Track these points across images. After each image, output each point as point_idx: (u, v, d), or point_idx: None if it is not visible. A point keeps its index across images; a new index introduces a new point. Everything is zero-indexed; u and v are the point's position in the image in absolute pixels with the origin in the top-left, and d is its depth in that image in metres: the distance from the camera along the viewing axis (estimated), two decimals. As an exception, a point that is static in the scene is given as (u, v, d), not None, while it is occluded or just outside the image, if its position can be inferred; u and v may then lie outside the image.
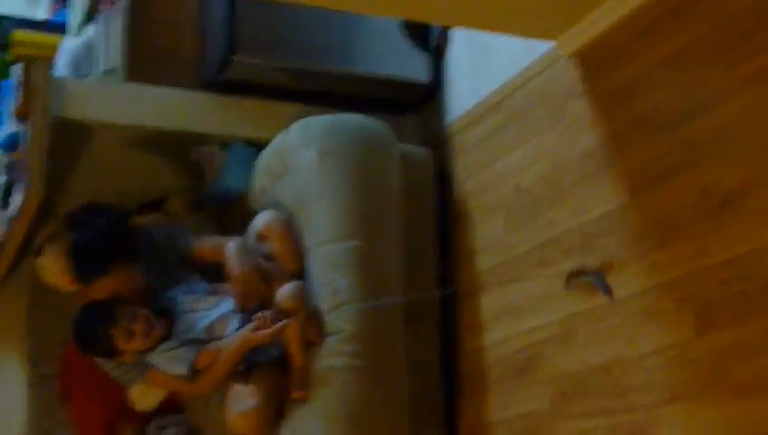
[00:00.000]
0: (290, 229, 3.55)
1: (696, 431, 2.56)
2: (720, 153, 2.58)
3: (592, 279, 2.96)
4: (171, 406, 3.91)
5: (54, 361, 4.16)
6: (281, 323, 3.31)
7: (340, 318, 3.32)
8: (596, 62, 3.08)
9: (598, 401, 2.90)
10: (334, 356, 3.29)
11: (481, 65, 3.72)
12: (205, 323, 3.47)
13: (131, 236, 3.59)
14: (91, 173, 3.93)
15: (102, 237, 3.50)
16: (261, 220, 3.58)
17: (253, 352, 3.40)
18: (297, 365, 3.34)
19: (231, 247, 3.49)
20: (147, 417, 3.90)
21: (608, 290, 2.91)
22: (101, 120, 3.69)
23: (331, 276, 3.39)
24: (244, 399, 3.35)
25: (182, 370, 3.46)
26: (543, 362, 3.17)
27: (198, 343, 3.46)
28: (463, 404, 3.58)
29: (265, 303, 3.40)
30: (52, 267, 3.82)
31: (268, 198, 3.70)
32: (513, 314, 3.35)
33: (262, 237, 3.56)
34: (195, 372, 3.46)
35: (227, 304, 3.49)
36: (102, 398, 3.95)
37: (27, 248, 4.03)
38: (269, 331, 3.32)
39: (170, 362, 3.49)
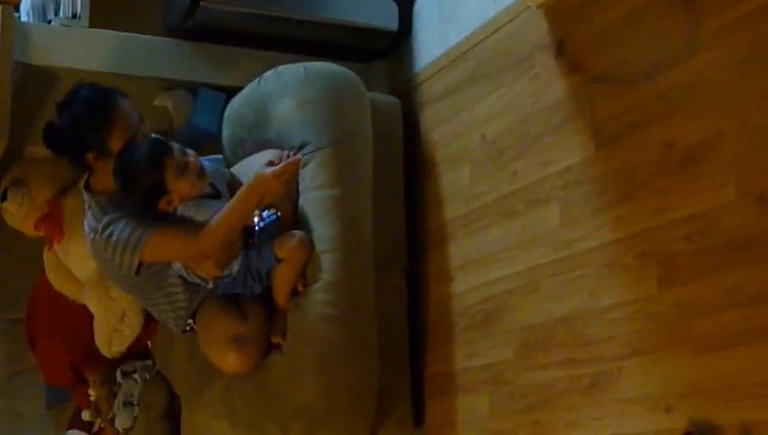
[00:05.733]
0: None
1: (655, 384, 2.59)
2: (684, 109, 2.59)
3: None
4: (138, 352, 3.92)
5: (21, 306, 4.18)
6: (292, 159, 3.16)
7: (320, 267, 3.33)
8: (563, 14, 3.07)
9: (560, 352, 2.93)
10: (310, 304, 3.30)
11: (449, 14, 3.70)
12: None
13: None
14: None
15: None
16: (267, 157, 3.44)
17: (243, 285, 3.32)
18: (279, 309, 3.34)
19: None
20: (113, 362, 3.91)
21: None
22: (66, 66, 3.65)
23: (312, 224, 3.38)
24: (240, 336, 3.29)
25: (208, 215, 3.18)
26: (507, 312, 3.19)
27: None
28: (429, 354, 3.60)
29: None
30: (17, 212, 3.82)
31: (247, 147, 3.66)
32: (478, 265, 3.36)
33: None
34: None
35: None
36: (68, 342, 3.97)
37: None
38: (279, 167, 3.10)
39: (199, 209, 3.19)
